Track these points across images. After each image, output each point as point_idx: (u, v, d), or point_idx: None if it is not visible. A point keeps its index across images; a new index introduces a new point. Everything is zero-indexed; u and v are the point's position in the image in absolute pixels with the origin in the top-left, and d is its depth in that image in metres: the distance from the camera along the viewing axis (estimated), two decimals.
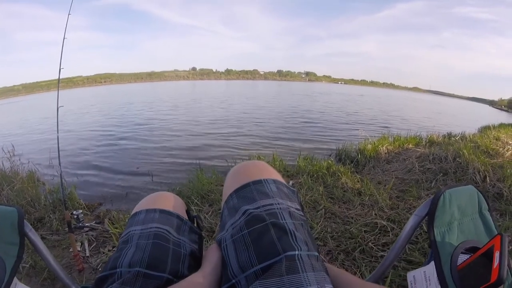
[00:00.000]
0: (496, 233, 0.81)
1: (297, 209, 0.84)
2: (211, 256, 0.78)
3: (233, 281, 0.69)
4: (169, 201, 0.96)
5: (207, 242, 2.39)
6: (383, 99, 43.39)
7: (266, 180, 0.87)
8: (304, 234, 0.75)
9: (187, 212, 1.00)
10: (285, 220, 0.75)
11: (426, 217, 0.81)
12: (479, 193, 0.85)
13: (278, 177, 0.92)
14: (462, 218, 0.81)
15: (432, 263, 0.77)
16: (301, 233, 0.73)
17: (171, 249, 0.81)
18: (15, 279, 0.75)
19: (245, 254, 0.70)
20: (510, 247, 0.72)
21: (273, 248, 0.68)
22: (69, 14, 2.68)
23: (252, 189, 0.84)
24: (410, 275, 0.85)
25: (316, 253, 0.71)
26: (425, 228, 1.96)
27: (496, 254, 0.63)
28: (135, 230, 0.84)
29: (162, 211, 0.90)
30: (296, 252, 0.67)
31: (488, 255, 0.67)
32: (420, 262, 1.95)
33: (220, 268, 0.75)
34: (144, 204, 0.94)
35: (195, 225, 0.98)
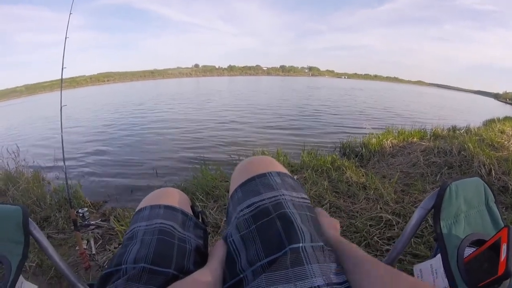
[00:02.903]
0: (503, 225, 0.80)
1: (303, 198, 0.84)
2: (217, 252, 0.78)
3: (241, 275, 0.69)
4: (174, 197, 0.96)
5: (213, 237, 2.40)
6: (381, 92, 43.03)
7: (270, 173, 0.87)
8: (309, 224, 0.75)
9: (192, 207, 1.01)
10: (290, 210, 0.75)
11: (432, 209, 0.81)
12: (485, 185, 0.84)
13: (283, 170, 0.92)
14: (469, 210, 0.81)
15: (439, 256, 0.77)
16: (305, 224, 0.73)
17: (176, 245, 0.81)
18: (21, 277, 0.75)
19: (253, 249, 0.71)
20: None
21: (279, 241, 0.68)
22: (70, 14, 2.68)
23: (257, 183, 0.85)
24: (416, 268, 0.85)
25: (321, 243, 0.71)
26: (430, 221, 1.96)
27: (503, 247, 0.62)
28: (140, 226, 0.84)
29: (166, 207, 0.90)
30: (300, 245, 0.67)
31: (495, 248, 0.66)
32: (426, 255, 1.94)
33: (223, 265, 0.75)
34: (148, 200, 0.94)
35: (200, 220, 0.99)
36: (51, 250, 0.86)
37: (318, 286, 0.61)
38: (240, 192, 0.86)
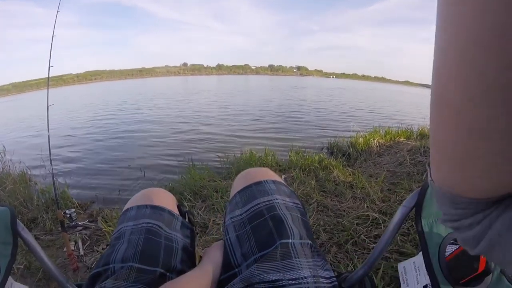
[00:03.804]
0: None
1: (295, 203, 0.90)
2: (213, 253, 0.81)
3: (236, 270, 0.75)
4: (160, 197, 0.98)
5: (201, 237, 2.40)
6: (366, 92, 42.97)
7: (266, 180, 0.94)
8: (299, 224, 0.80)
9: (179, 207, 1.02)
10: (282, 212, 0.81)
11: (414, 208, 0.82)
12: None
13: (278, 179, 0.99)
14: None
15: (420, 254, 0.79)
16: (295, 224, 0.79)
17: (163, 244, 0.82)
18: (10, 279, 0.75)
19: (247, 245, 0.76)
20: None
21: (271, 238, 0.74)
22: (57, 11, 2.66)
23: (253, 189, 0.91)
24: (400, 266, 0.86)
25: (309, 241, 0.77)
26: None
27: None
28: (126, 226, 0.86)
29: (153, 207, 0.92)
30: (290, 240, 0.73)
31: None
32: (412, 253, 1.97)
33: (220, 267, 0.78)
34: (135, 200, 0.96)
35: (187, 220, 1.00)
36: (39, 250, 0.85)
37: (304, 277, 0.65)
38: (238, 197, 0.92)
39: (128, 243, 0.80)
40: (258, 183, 0.92)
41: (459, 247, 0.74)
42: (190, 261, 0.87)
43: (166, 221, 0.90)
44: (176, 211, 0.99)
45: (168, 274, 0.77)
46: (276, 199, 0.86)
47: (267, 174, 0.99)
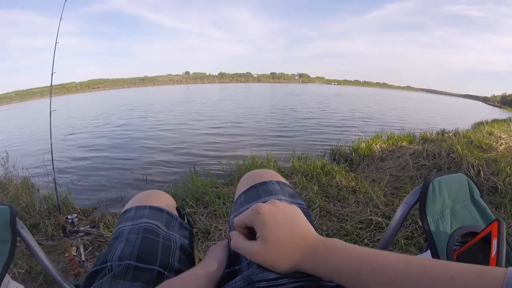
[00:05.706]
0: (493, 217, 0.81)
1: (299, 203, 0.88)
2: (217, 252, 0.79)
3: (236, 267, 0.73)
4: (159, 199, 0.99)
5: (203, 243, 2.40)
6: (367, 98, 43.01)
7: (271, 181, 0.93)
8: None
9: (178, 209, 1.02)
10: None
11: (417, 206, 0.81)
12: (469, 180, 0.85)
13: (283, 180, 0.99)
14: (454, 205, 0.81)
15: (428, 252, 0.77)
16: None
17: (161, 243, 0.82)
18: (7, 276, 0.75)
19: None
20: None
21: None
22: (60, 19, 2.67)
23: (257, 189, 0.91)
24: None
25: None
26: (419, 222, 1.98)
27: (494, 242, 0.62)
28: (125, 226, 0.86)
29: (152, 208, 0.92)
30: None
31: (486, 239, 0.66)
32: None
33: (223, 267, 0.76)
34: (134, 201, 0.96)
35: (186, 221, 1.00)
36: (37, 249, 0.85)
37: (306, 275, 0.63)
38: (243, 196, 0.91)
39: (126, 242, 0.79)
40: (263, 184, 0.92)
41: (467, 242, 0.73)
42: (188, 261, 0.87)
43: (164, 221, 0.90)
44: (175, 212, 0.99)
45: (166, 273, 0.77)
46: (280, 199, 0.83)
47: (272, 175, 0.99)
